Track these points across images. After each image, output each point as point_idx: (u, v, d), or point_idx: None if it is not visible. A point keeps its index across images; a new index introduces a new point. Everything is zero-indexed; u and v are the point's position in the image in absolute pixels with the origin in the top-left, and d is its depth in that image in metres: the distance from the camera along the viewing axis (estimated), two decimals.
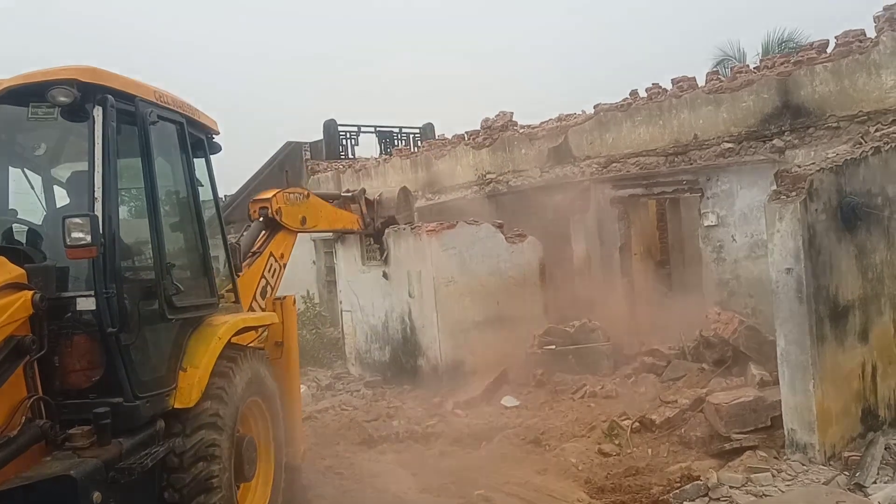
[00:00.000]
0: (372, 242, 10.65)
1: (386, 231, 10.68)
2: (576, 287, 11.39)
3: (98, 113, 4.21)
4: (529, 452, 7.36)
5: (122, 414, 4.05)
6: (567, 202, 11.73)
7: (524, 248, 11.09)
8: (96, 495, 3.66)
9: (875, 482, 5.72)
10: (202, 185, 5.53)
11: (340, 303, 12.30)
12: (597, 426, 7.63)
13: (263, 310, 6.35)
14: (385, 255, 10.97)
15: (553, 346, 9.79)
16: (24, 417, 3.75)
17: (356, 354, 11.84)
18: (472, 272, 10.51)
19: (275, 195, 6.81)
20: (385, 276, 10.93)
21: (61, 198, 5.05)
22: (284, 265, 6.87)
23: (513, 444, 7.64)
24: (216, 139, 5.78)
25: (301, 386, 10.01)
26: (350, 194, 8.27)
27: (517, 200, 12.15)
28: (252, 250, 6.67)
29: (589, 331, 9.85)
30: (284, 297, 6.27)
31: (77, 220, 3.83)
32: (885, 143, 7.15)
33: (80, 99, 4.12)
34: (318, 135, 20.15)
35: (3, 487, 3.49)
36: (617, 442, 7.23)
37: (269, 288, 6.62)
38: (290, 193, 7.00)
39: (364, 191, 8.50)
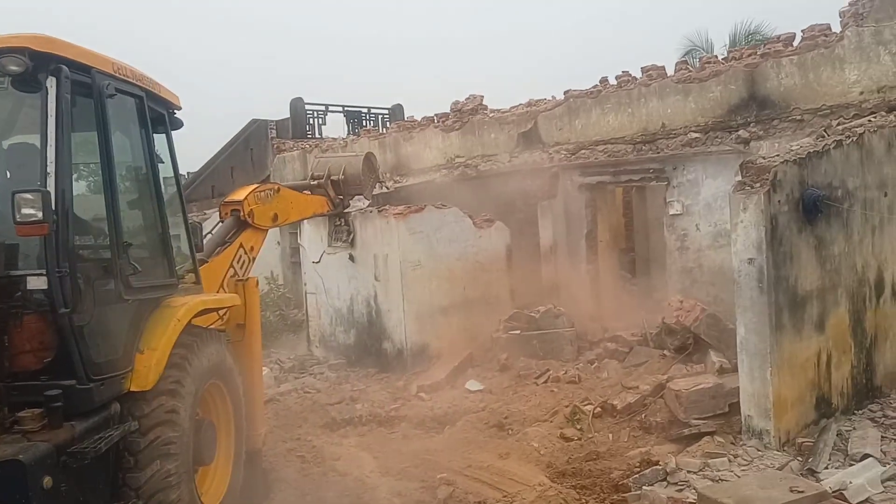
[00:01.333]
0: (341, 222, 10.52)
1: (352, 214, 10.57)
2: (542, 273, 11.45)
3: (52, 84, 4.04)
4: (492, 436, 7.40)
5: (75, 397, 3.94)
6: (535, 188, 11.74)
7: (492, 234, 11.09)
8: (46, 480, 3.56)
9: (827, 468, 5.88)
10: (162, 162, 5.38)
11: (305, 285, 12.17)
12: (559, 411, 7.70)
13: (193, 265, 6.17)
14: (351, 237, 10.86)
15: (518, 332, 9.83)
16: None
17: (320, 337, 11.74)
18: (439, 256, 10.48)
19: (246, 197, 6.63)
20: (351, 258, 10.84)
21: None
22: (254, 258, 6.77)
23: (476, 428, 7.66)
24: (178, 114, 5.62)
25: (263, 368, 9.94)
26: (316, 182, 8.14)
27: (486, 185, 12.13)
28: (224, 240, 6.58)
29: (553, 316, 9.91)
30: (247, 279, 6.17)
31: (28, 195, 3.69)
32: (846, 137, 7.27)
33: (32, 68, 3.94)
34: (285, 113, 19.86)
35: None
36: (579, 427, 7.31)
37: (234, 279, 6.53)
38: (260, 191, 6.86)
39: (330, 175, 8.33)
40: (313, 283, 11.84)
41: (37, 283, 3.93)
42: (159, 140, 5.30)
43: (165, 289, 4.98)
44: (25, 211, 3.65)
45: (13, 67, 3.87)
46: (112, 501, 4.20)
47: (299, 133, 19.41)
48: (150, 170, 5.05)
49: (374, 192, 9.06)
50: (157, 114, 5.24)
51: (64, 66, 4.06)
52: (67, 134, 4.05)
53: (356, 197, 9.46)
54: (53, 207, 3.82)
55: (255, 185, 7.05)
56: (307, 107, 19.87)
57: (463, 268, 10.67)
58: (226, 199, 6.77)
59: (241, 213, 6.54)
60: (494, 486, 6.01)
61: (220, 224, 6.78)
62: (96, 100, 4.34)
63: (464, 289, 10.64)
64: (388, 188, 9.73)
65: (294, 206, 7.46)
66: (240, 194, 6.75)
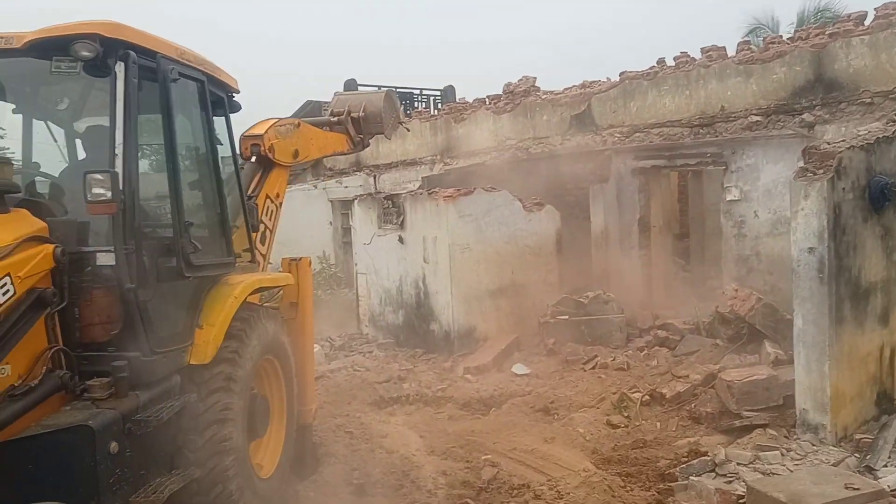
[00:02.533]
0: (389, 204, 10.47)
1: (402, 196, 10.62)
2: (592, 258, 11.34)
3: (120, 68, 4.17)
4: (538, 420, 7.42)
5: (139, 368, 4.10)
6: (587, 171, 11.59)
7: (541, 217, 11.02)
8: (113, 445, 3.73)
9: (886, 465, 5.71)
10: (221, 144, 5.52)
11: (356, 265, 12.35)
12: (606, 398, 7.66)
13: (265, 256, 6.26)
14: (401, 219, 10.96)
15: (566, 317, 9.79)
16: (44, 368, 3.81)
17: (370, 316, 11.92)
18: (487, 239, 10.48)
19: (266, 131, 6.31)
20: (401, 240, 10.94)
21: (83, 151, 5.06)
22: (280, 204, 6.62)
23: (522, 411, 7.69)
24: (236, 98, 5.74)
25: (314, 346, 10.15)
26: (336, 119, 7.94)
27: (537, 168, 12.03)
28: (247, 195, 6.27)
29: (603, 302, 9.82)
30: (300, 259, 6.27)
31: (98, 175, 3.83)
32: None
33: (102, 54, 4.07)
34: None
35: (24, 434, 3.56)
36: (626, 414, 7.26)
37: (268, 233, 6.43)
38: (280, 125, 6.54)
39: (350, 112, 8.13)
40: (364, 264, 12.00)
41: (105, 259, 4.09)
42: (219, 122, 5.44)
43: (223, 267, 5.12)
44: (96, 190, 3.80)
45: (85, 53, 4.01)
46: (171, 468, 4.38)
47: None
48: (210, 151, 5.18)
49: (394, 131, 8.69)
50: (217, 97, 5.36)
51: (132, 52, 4.19)
52: (134, 117, 4.18)
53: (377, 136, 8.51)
54: (121, 187, 3.97)
55: (276, 119, 6.68)
56: (360, 88, 19.99)
57: (511, 251, 10.65)
58: (245, 133, 6.38)
59: (262, 149, 6.23)
60: (538, 470, 6.03)
61: (243, 168, 6.44)
62: (161, 84, 4.47)
63: (512, 272, 10.63)
64: (407, 129, 9.41)
65: (314, 142, 7.12)
66: (260, 128, 6.40)
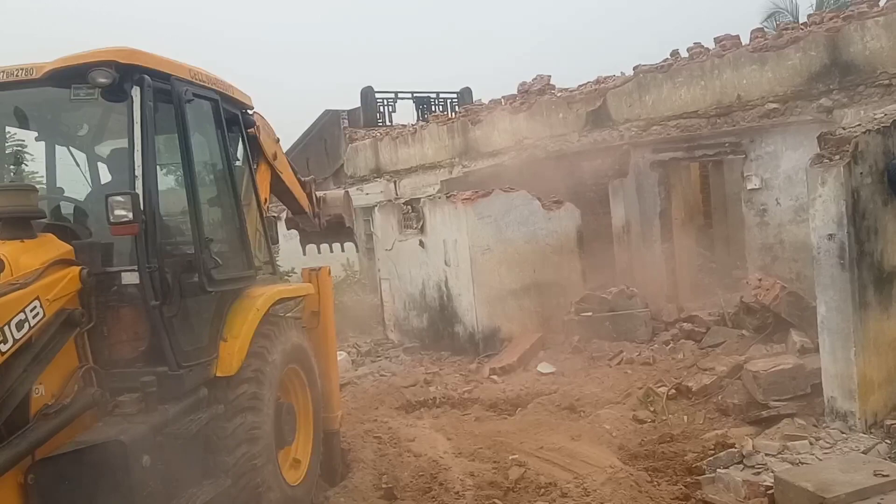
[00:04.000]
0: (409, 210, 10.38)
1: (422, 201, 10.71)
2: (614, 253, 11.31)
3: (136, 93, 4.30)
4: (564, 418, 7.43)
5: (167, 382, 4.22)
6: (606, 167, 11.56)
7: (561, 215, 11.03)
8: (145, 459, 3.86)
9: None
10: (238, 160, 5.65)
11: (378, 270, 12.46)
12: (632, 393, 7.65)
13: (270, 256, 6.03)
14: (421, 223, 11.05)
15: (590, 313, 9.78)
16: (76, 386, 3.96)
17: (395, 321, 12.02)
18: (508, 240, 10.51)
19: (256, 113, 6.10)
20: (421, 244, 11.02)
21: (106, 174, 5.22)
22: (268, 208, 6.45)
23: (548, 410, 7.71)
24: (251, 113, 5.87)
25: (340, 353, 10.27)
26: (301, 179, 7.45)
27: (555, 166, 12.03)
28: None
29: (627, 297, 9.79)
30: (320, 269, 6.38)
31: (119, 198, 3.96)
32: None
33: (118, 80, 4.21)
34: (357, 102, 20.20)
35: (59, 451, 3.70)
36: (652, 409, 7.25)
37: (261, 239, 6.07)
38: (266, 122, 6.36)
39: (315, 180, 8.10)
40: (386, 270, 12.12)
41: (130, 278, 4.23)
42: (234, 139, 5.57)
43: (245, 280, 5.24)
44: (118, 212, 3.93)
45: (102, 80, 4.15)
46: (202, 478, 4.50)
47: (370, 121, 19.70)
48: (227, 168, 5.29)
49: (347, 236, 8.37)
50: (231, 114, 5.49)
51: (146, 76, 4.32)
52: (152, 139, 4.31)
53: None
54: (142, 208, 4.09)
55: None
56: (377, 95, 20.14)
57: (532, 251, 10.67)
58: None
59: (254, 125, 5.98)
60: (566, 468, 6.05)
61: None
62: (176, 105, 4.59)
63: (534, 272, 10.65)
64: (356, 246, 8.89)
65: (285, 169, 6.84)
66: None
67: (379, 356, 11.17)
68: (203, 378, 4.58)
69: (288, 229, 7.92)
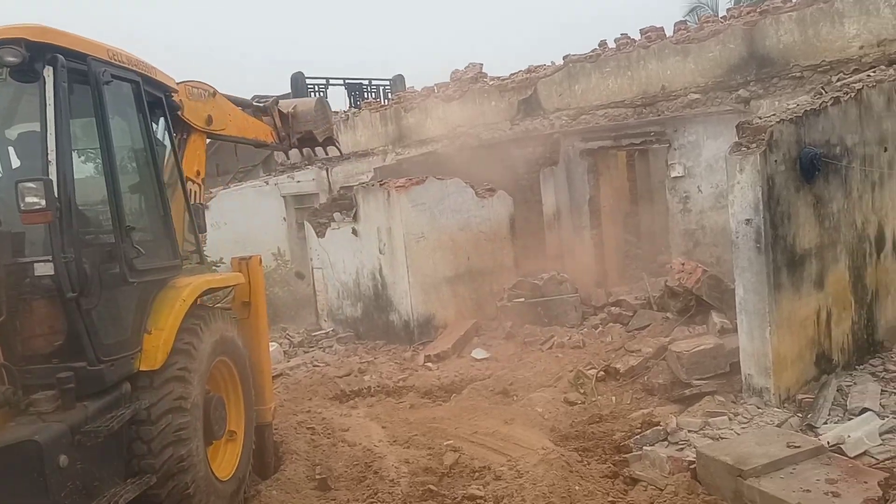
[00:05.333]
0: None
1: (354, 188, 10.62)
2: (546, 240, 11.51)
3: (48, 73, 4.09)
4: (498, 403, 7.54)
5: (86, 378, 4.06)
6: (537, 155, 11.74)
7: (494, 203, 11.15)
8: (62, 459, 3.70)
9: (826, 423, 5.97)
10: (162, 145, 5.45)
11: (311, 260, 12.30)
12: (563, 376, 7.82)
13: (194, 246, 5.90)
14: (354, 211, 10.96)
15: (522, 299, 9.94)
16: None
17: (328, 311, 11.90)
18: (442, 227, 10.56)
19: (179, 84, 5.82)
20: (354, 232, 10.94)
21: (16, 159, 4.95)
22: (203, 183, 6.18)
23: (482, 395, 7.81)
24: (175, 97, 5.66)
25: (272, 344, 10.10)
26: (262, 104, 7.20)
27: (488, 153, 12.13)
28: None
29: (558, 283, 9.99)
30: (250, 258, 6.25)
31: (30, 184, 3.77)
32: (844, 94, 7.23)
33: (29, 59, 3.99)
34: (286, 88, 19.81)
35: None
36: (582, 391, 7.43)
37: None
38: (192, 87, 6.05)
39: (277, 101, 7.46)
40: (319, 259, 11.96)
41: (44, 269, 4.03)
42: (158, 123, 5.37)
43: (170, 270, 5.08)
44: (29, 199, 3.74)
45: (11, 59, 3.92)
46: (126, 476, 4.35)
47: None
48: (150, 153, 5.11)
49: (326, 143, 7.58)
50: (155, 97, 5.29)
51: (60, 56, 4.11)
52: (66, 122, 4.11)
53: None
54: (56, 195, 3.90)
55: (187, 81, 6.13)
56: (308, 81, 19.80)
57: (466, 238, 10.76)
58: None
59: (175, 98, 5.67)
60: (499, 452, 6.14)
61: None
62: (93, 87, 4.39)
63: (468, 259, 10.74)
64: (339, 151, 8.68)
65: (233, 118, 6.57)
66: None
67: (312, 346, 11.05)
68: (125, 372, 4.42)
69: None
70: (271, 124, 7.30)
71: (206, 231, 6.14)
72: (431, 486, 5.58)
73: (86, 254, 4.17)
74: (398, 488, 5.60)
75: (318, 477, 5.90)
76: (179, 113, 5.79)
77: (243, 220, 15.38)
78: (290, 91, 19.63)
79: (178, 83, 5.82)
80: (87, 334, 4.11)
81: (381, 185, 10.62)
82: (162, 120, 5.45)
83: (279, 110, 7.39)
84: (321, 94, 19.94)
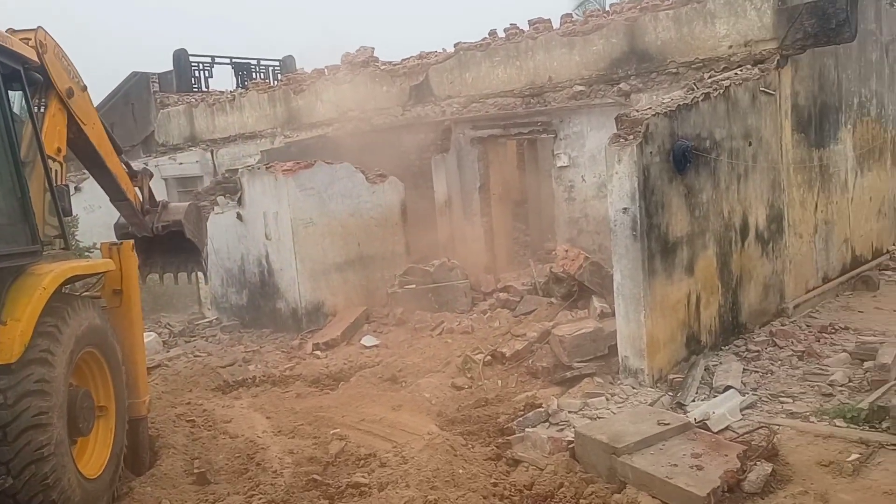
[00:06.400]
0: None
1: (239, 171, 10.23)
2: (437, 226, 11.57)
3: None
4: (386, 390, 7.53)
5: None
6: (428, 141, 11.75)
7: (385, 189, 11.08)
8: None
9: (694, 400, 6.37)
10: (20, 120, 5.02)
11: None
12: (452, 361, 7.91)
13: (58, 230, 5.42)
14: (240, 196, 10.57)
15: (413, 286, 9.95)
16: None
17: (212, 299, 11.45)
18: (331, 213, 10.38)
19: (39, 30, 5.13)
20: (239, 217, 10.55)
21: None
22: (64, 161, 5.51)
23: (370, 382, 7.77)
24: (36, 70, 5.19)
25: (149, 333, 9.62)
26: (134, 169, 6.57)
27: (379, 139, 12.02)
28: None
29: (448, 269, 10.08)
30: (122, 243, 5.88)
31: None
32: (714, 90, 7.69)
33: None
34: (169, 66, 18.82)
35: None
36: (469, 375, 7.55)
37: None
38: (63, 55, 5.42)
39: (151, 174, 6.85)
40: None
41: None
42: (17, 98, 4.93)
43: (28, 256, 4.71)
44: None
45: None
46: None
47: (184, 86, 18.45)
48: (5, 130, 4.69)
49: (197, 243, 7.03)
50: (11, 69, 4.85)
51: None
52: None
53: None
54: None
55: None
56: (192, 58, 18.88)
57: (357, 224, 10.63)
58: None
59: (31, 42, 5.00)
60: (386, 438, 6.14)
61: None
62: None
63: (359, 245, 10.63)
64: (202, 268, 7.51)
65: (95, 126, 5.83)
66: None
67: (194, 336, 10.60)
68: None
69: (118, 238, 6.71)
70: (139, 187, 6.62)
71: (71, 214, 5.71)
72: (316, 476, 5.49)
73: None
74: (281, 479, 5.48)
75: (196, 471, 5.68)
76: (41, 54, 5.12)
77: None
78: (172, 69, 18.68)
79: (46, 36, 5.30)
80: None
81: (267, 168, 10.29)
82: (20, 94, 5.01)
83: (150, 187, 6.72)
84: (206, 73, 19.11)
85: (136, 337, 5.96)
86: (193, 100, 17.05)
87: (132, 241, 6.06)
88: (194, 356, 9.26)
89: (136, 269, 6.00)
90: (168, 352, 9.63)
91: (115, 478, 5.24)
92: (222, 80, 19.43)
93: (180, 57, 18.65)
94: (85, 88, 5.78)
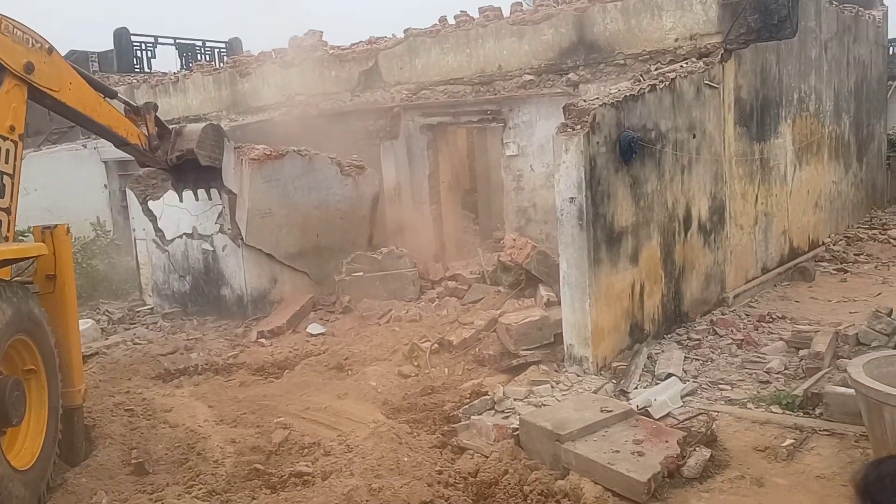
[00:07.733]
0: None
1: None
2: (386, 214, 11.49)
3: None
4: (332, 378, 7.45)
5: None
6: (378, 128, 11.63)
7: (359, 181, 10.92)
8: None
9: (636, 388, 6.50)
10: None
11: (133, 230, 11.41)
12: (399, 349, 7.87)
13: (6, 211, 5.32)
14: None
15: (361, 273, 9.86)
16: None
17: (153, 285, 11.13)
18: (294, 204, 10.10)
19: None
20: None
21: None
22: (20, 140, 5.27)
23: (316, 370, 7.68)
24: None
25: (87, 320, 9.31)
26: (136, 104, 6.47)
27: (327, 124, 11.84)
28: None
29: (396, 257, 10.02)
30: (55, 227, 5.64)
31: None
32: (660, 82, 7.80)
33: None
34: (109, 44, 18.16)
35: None
36: (416, 363, 7.53)
37: (7, 180, 5.28)
38: (14, 25, 5.10)
39: (155, 106, 6.77)
40: (143, 229, 11.12)
41: None
42: None
43: None
44: None
45: None
46: None
47: (125, 67, 17.89)
48: None
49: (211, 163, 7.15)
50: None
51: None
52: None
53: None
54: None
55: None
56: (133, 38, 18.28)
57: (319, 216, 10.39)
58: None
59: None
60: (330, 427, 6.08)
61: None
62: None
63: (317, 236, 10.43)
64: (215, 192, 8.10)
65: (73, 87, 5.62)
66: None
67: (134, 323, 10.29)
68: None
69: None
70: (143, 126, 6.51)
71: (4, 197, 5.44)
72: (258, 465, 5.41)
73: None
74: (222, 469, 5.37)
75: (134, 461, 5.53)
76: None
77: (56, 187, 14.00)
78: (112, 48, 18.05)
79: None
80: None
81: (236, 149, 9.85)
82: None
83: (157, 116, 6.66)
84: (149, 53, 18.53)
85: (71, 324, 5.74)
86: (135, 81, 16.51)
87: (67, 226, 5.81)
88: (134, 344, 9.00)
89: (70, 253, 5.76)
90: (106, 339, 9.33)
91: (47, 469, 5.06)
92: (166, 61, 18.86)
93: (121, 36, 18.07)
94: (51, 51, 5.45)
